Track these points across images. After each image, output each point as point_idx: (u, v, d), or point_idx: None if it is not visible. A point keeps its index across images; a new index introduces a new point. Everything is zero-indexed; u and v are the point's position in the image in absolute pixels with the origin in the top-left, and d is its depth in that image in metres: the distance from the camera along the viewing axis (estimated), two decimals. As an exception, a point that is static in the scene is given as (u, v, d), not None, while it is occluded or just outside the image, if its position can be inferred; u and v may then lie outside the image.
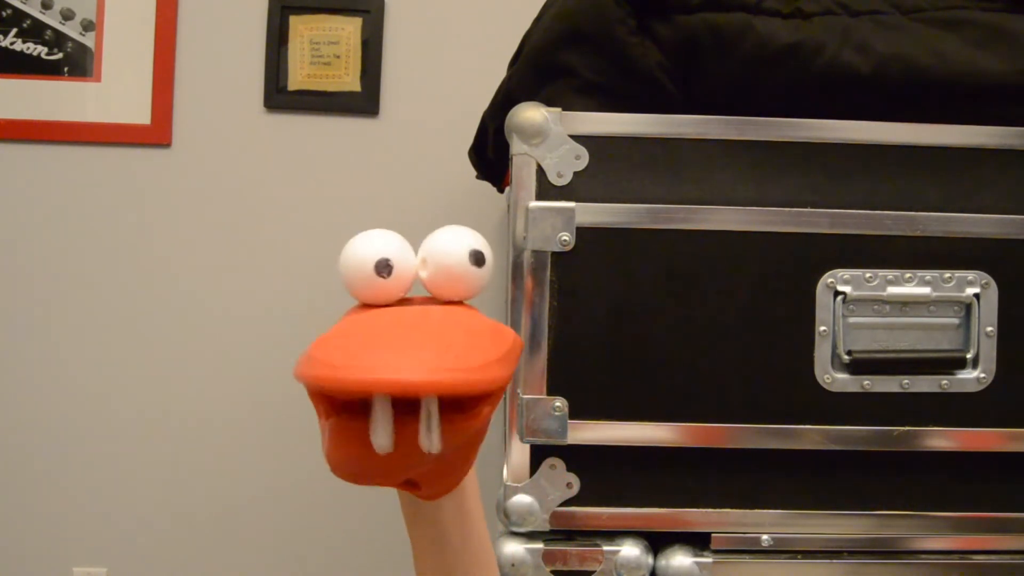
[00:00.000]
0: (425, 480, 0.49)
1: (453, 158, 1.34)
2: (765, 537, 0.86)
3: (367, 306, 0.50)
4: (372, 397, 0.42)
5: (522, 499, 0.86)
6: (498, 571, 0.59)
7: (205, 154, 1.45)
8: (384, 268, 0.48)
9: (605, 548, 0.85)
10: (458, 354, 0.42)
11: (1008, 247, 0.85)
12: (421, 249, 0.50)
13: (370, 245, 0.49)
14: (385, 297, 0.49)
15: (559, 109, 0.85)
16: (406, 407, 0.42)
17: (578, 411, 0.85)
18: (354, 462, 0.44)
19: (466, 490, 0.54)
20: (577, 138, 0.84)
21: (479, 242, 0.50)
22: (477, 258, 0.49)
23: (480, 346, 0.44)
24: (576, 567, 0.85)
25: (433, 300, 0.51)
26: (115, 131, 1.43)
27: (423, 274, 0.50)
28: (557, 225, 0.84)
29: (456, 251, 0.49)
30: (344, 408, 0.43)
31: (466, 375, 0.40)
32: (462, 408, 0.45)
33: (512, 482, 0.86)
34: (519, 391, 0.84)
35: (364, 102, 1.43)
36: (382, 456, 0.42)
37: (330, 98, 1.43)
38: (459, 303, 0.51)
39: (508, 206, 0.91)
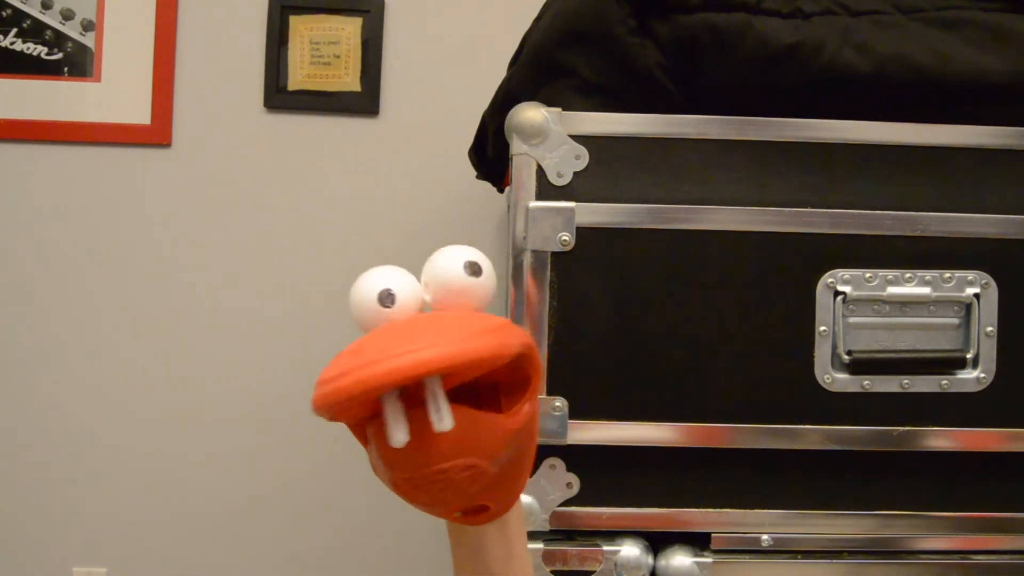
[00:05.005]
0: (491, 497, 0.50)
1: (453, 158, 1.34)
2: (765, 537, 0.86)
3: None
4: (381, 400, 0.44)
5: (522, 499, 0.86)
6: None
7: (205, 154, 1.45)
8: (387, 298, 0.49)
9: (605, 548, 0.85)
10: (440, 335, 0.44)
11: (1008, 247, 0.85)
12: (422, 275, 0.52)
13: (372, 279, 0.50)
14: None
15: (559, 109, 0.85)
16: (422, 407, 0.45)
17: (578, 411, 0.85)
18: (412, 466, 0.46)
19: (509, 515, 0.55)
20: (577, 138, 0.84)
21: (474, 254, 0.51)
22: (472, 268, 0.50)
23: (465, 323, 0.46)
24: (576, 567, 0.85)
25: None
26: (115, 131, 1.43)
27: (427, 297, 0.51)
28: (557, 225, 0.84)
29: (450, 265, 0.50)
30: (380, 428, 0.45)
31: (450, 346, 0.43)
32: (499, 407, 0.48)
33: (512, 482, 0.86)
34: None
35: (364, 102, 1.43)
36: (428, 454, 0.45)
37: (330, 98, 1.43)
38: None
39: (508, 206, 0.91)
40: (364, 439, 0.49)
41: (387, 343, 0.44)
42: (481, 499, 0.50)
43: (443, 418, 0.44)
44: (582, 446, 0.85)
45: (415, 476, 0.47)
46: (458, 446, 0.46)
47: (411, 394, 0.45)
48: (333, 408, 0.44)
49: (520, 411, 0.49)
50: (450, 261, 0.50)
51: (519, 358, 0.48)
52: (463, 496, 0.49)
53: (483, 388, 0.50)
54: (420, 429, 0.45)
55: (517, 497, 0.54)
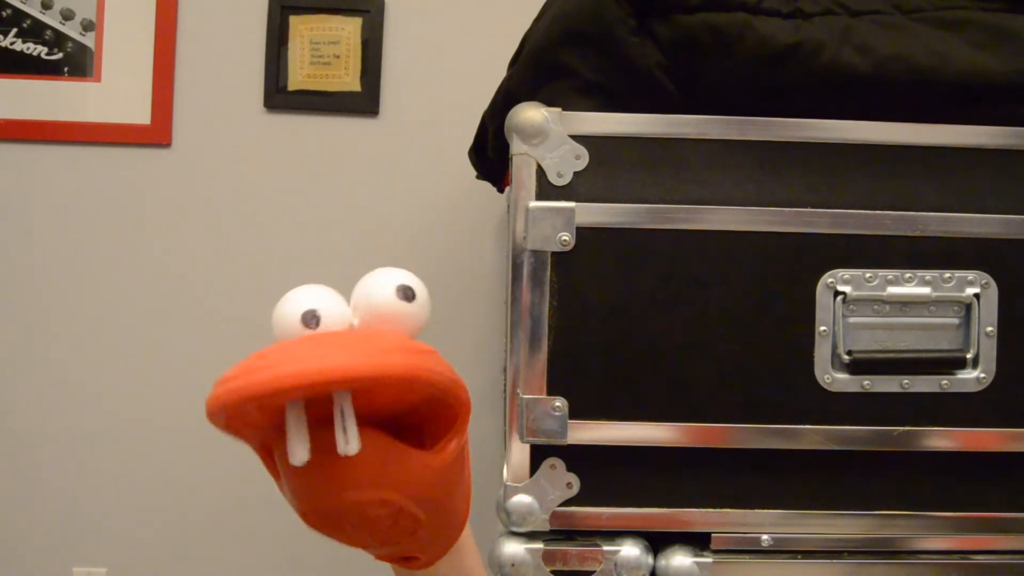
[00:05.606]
0: (418, 546, 0.47)
1: (453, 158, 1.34)
2: (765, 537, 0.86)
3: None
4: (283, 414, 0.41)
5: (522, 499, 0.86)
6: None
7: (205, 154, 1.45)
8: (311, 319, 0.46)
9: (605, 548, 0.85)
10: (354, 347, 0.41)
11: (1008, 247, 0.85)
12: (351, 297, 0.48)
13: (296, 299, 0.47)
14: None
15: (559, 109, 0.85)
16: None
17: (578, 411, 0.85)
18: (319, 494, 0.43)
19: (463, 549, 0.52)
20: (577, 138, 0.84)
21: (408, 278, 0.48)
22: (405, 293, 0.46)
23: (383, 339, 0.43)
24: (576, 567, 0.85)
25: None
26: (115, 131, 1.43)
27: (355, 321, 0.47)
28: (557, 225, 0.84)
29: (381, 287, 0.47)
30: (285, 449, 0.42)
31: (363, 358, 0.39)
32: (423, 443, 0.45)
33: (512, 482, 0.86)
34: (519, 391, 0.84)
35: (364, 102, 1.43)
36: (337, 481, 0.41)
37: (330, 98, 1.43)
38: None
39: (508, 206, 0.91)
40: (272, 464, 0.46)
41: (295, 349, 0.41)
42: (407, 547, 0.47)
43: (349, 440, 0.41)
44: (582, 446, 0.85)
45: (323, 506, 0.44)
46: (371, 475, 0.42)
47: (321, 416, 0.42)
48: (228, 412, 0.41)
49: (446, 448, 0.45)
50: (382, 283, 0.47)
51: (446, 395, 0.44)
52: (385, 539, 0.46)
53: (407, 429, 0.46)
54: (329, 453, 0.41)
55: (448, 548, 0.50)
